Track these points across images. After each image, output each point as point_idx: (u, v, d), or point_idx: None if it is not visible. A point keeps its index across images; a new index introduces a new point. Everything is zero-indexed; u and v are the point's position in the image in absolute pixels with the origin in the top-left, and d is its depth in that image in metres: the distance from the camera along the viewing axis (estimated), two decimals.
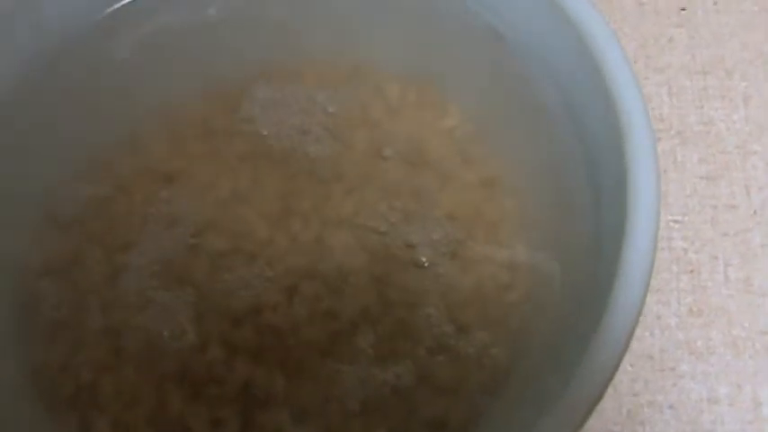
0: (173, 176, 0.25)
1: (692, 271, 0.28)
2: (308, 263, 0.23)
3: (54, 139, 0.24)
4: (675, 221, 0.28)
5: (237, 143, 0.25)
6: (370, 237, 0.24)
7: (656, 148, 0.20)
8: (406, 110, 0.26)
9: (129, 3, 0.25)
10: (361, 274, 0.23)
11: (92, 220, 0.24)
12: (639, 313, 0.18)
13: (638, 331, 0.20)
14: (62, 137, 0.24)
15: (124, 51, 0.25)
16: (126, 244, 0.24)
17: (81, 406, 0.22)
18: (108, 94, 0.25)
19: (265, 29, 0.26)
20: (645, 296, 0.18)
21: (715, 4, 0.32)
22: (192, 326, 0.23)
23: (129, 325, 0.23)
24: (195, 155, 0.25)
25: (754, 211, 0.28)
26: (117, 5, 0.25)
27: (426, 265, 0.23)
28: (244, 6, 0.26)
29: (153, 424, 0.22)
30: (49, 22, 0.23)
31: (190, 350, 0.22)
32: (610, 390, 0.19)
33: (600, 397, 0.17)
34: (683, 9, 0.32)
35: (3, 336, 0.22)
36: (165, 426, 0.22)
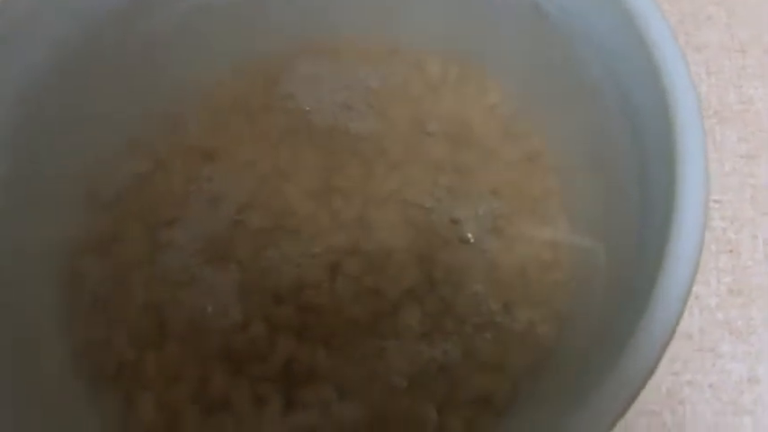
0: (213, 153, 0.25)
1: (731, 251, 0.27)
2: (350, 240, 0.23)
3: (93, 118, 0.23)
4: (715, 201, 0.28)
5: (278, 119, 0.25)
6: (415, 213, 0.23)
7: (702, 124, 0.19)
8: (449, 86, 0.25)
9: None
10: (405, 252, 0.23)
11: (133, 197, 0.24)
12: (689, 292, 0.18)
13: None
14: (102, 116, 0.24)
15: (162, 28, 0.24)
16: (168, 221, 0.24)
17: (124, 383, 0.22)
18: (146, 72, 0.24)
19: (304, 5, 0.25)
20: (695, 273, 0.18)
21: None
22: (236, 303, 0.23)
23: (173, 302, 0.23)
24: (236, 131, 0.25)
25: None
26: None
27: (472, 241, 0.23)
28: None
29: (196, 401, 0.22)
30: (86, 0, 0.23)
31: (233, 327, 0.22)
32: None
33: (649, 376, 0.17)
34: None
35: (46, 314, 0.22)
36: (207, 403, 0.22)
